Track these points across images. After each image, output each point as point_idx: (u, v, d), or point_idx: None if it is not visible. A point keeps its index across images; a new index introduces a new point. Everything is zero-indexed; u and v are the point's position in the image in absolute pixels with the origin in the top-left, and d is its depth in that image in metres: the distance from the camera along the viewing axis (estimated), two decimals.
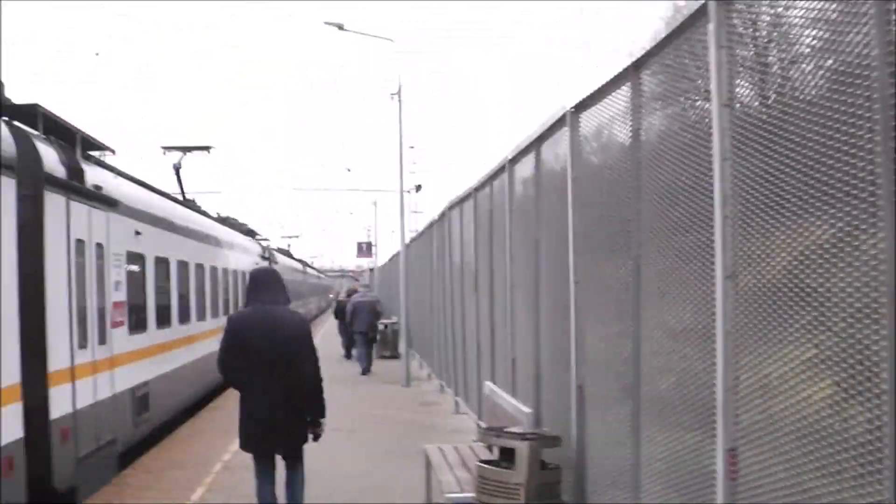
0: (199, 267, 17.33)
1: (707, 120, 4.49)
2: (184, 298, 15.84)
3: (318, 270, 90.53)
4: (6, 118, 8.95)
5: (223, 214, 25.04)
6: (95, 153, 12.02)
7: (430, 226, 19.28)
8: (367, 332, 23.15)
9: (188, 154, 21.82)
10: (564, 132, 7.23)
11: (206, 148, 22.51)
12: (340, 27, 19.91)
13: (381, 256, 52.39)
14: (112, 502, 9.80)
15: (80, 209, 10.13)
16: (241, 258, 23.44)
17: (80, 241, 10.10)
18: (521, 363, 9.44)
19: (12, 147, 8.40)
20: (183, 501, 9.57)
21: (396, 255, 36.86)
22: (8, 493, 7.69)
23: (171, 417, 14.73)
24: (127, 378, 11.78)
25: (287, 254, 52.81)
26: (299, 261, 61.30)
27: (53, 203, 9.28)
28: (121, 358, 11.56)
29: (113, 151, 12.68)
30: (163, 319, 14.19)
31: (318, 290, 71.59)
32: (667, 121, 5.28)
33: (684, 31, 4.81)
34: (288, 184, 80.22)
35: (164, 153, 21.88)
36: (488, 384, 8.71)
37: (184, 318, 15.77)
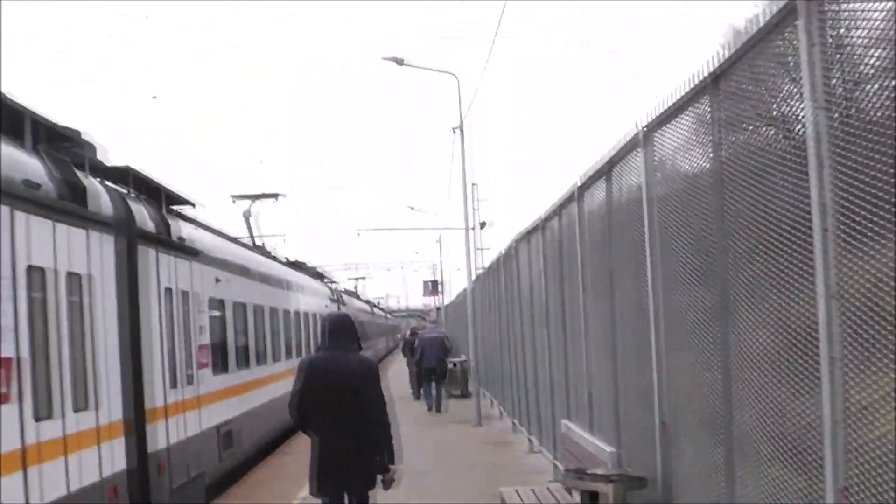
0: (273, 311, 18.07)
1: (801, 127, 4.17)
2: (260, 341, 16.65)
3: (385, 311, 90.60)
4: (102, 179, 10.13)
5: (291, 258, 25.76)
6: (176, 206, 12.92)
7: (498, 261, 18.94)
8: (435, 368, 23.00)
9: (256, 202, 22.90)
10: (638, 153, 6.96)
11: (275, 195, 23.58)
12: (399, 62, 19.79)
13: (449, 293, 52.20)
14: None
15: (167, 260, 11.12)
16: (312, 301, 24.05)
17: (168, 290, 11.10)
18: (599, 399, 9.02)
19: (109, 207, 9.57)
20: None
21: (464, 293, 36.71)
22: None
23: (252, 454, 15.33)
24: (213, 416, 12.66)
25: (355, 295, 54.13)
26: (367, 302, 62.51)
27: (144, 255, 10.40)
28: (207, 397, 12.45)
29: (193, 205, 13.48)
30: (242, 361, 15.03)
31: (385, 331, 71.67)
32: (753, 133, 4.98)
33: (768, 33, 4.51)
34: (351, 224, 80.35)
35: (234, 202, 22.84)
36: (565, 422, 8.32)
37: (260, 359, 16.55)
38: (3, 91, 7.83)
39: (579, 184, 9.41)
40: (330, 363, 7.55)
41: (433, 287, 53.07)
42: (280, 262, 22.27)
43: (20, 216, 7.49)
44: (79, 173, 9.15)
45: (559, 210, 10.85)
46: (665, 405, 6.60)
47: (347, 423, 7.42)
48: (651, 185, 6.57)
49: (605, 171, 8.07)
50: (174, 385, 11.00)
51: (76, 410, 8.30)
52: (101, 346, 8.94)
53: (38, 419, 7.53)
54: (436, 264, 73.73)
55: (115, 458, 8.91)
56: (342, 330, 7.74)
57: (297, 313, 20.98)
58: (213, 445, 12.55)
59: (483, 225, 68.16)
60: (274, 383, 16.90)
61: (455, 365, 26.91)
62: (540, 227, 12.36)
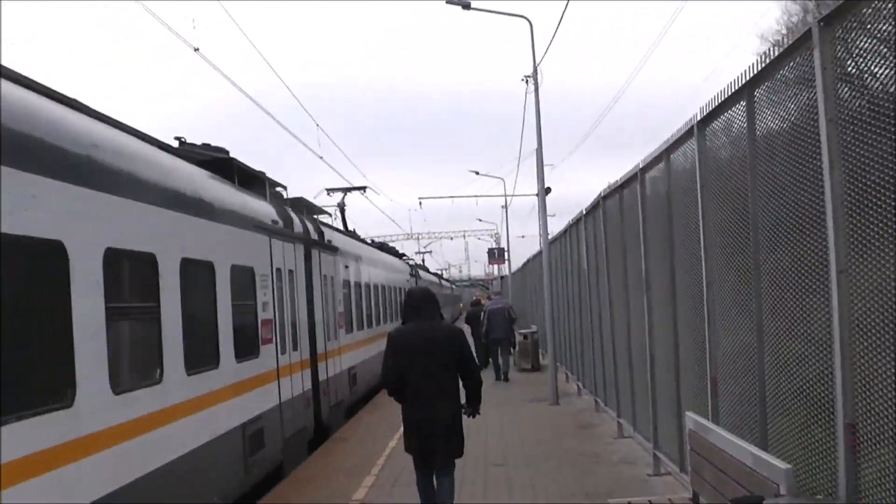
0: (376, 287, 23.84)
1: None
2: (370, 309, 22.35)
3: (450, 281, 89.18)
4: (292, 208, 15.14)
5: (377, 241, 31.36)
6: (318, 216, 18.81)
7: (576, 222, 17.03)
8: (503, 338, 22.94)
9: (349, 194, 27.67)
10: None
11: (363, 188, 28.70)
12: (466, 6, 17.87)
13: (512, 263, 50.21)
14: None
15: (323, 257, 16.24)
16: (396, 277, 29.66)
17: (324, 276, 16.23)
18: (730, 385, 7.16)
19: (299, 227, 14.66)
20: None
21: (530, 261, 34.82)
22: (305, 416, 13.76)
23: (366, 391, 20.49)
24: (347, 361, 18.04)
25: (425, 269, 57.31)
26: (434, 274, 65.15)
27: (314, 255, 15.38)
28: (344, 348, 17.77)
29: (330, 214, 21.18)
30: (360, 324, 20.37)
31: (450, 301, 70.52)
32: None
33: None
34: (413, 193, 78.84)
35: (329, 194, 27.41)
36: (693, 417, 6.46)
37: (370, 323, 22.16)
38: (236, 158, 12.09)
39: (699, 117, 7.53)
40: (418, 334, 8.03)
41: (499, 255, 51.04)
42: (371, 245, 27.50)
43: (275, 242, 12.67)
44: (286, 209, 14.32)
45: (667, 153, 8.95)
46: (853, 401, 4.75)
47: (437, 389, 7.90)
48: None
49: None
50: (328, 339, 16.18)
51: (294, 350, 13.34)
52: (300, 313, 14.09)
53: (281, 353, 12.53)
54: (499, 232, 71.90)
55: (304, 381, 13.99)
56: (425, 302, 8.27)
57: (389, 287, 26.70)
58: (346, 382, 17.80)
59: (548, 190, 66.39)
60: (377, 341, 21.25)
61: (525, 337, 25.12)
62: (637, 179, 10.45)
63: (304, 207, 16.95)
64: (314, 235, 15.67)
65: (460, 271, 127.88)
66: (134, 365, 7.88)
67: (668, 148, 8.88)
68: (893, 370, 4.45)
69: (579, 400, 17.79)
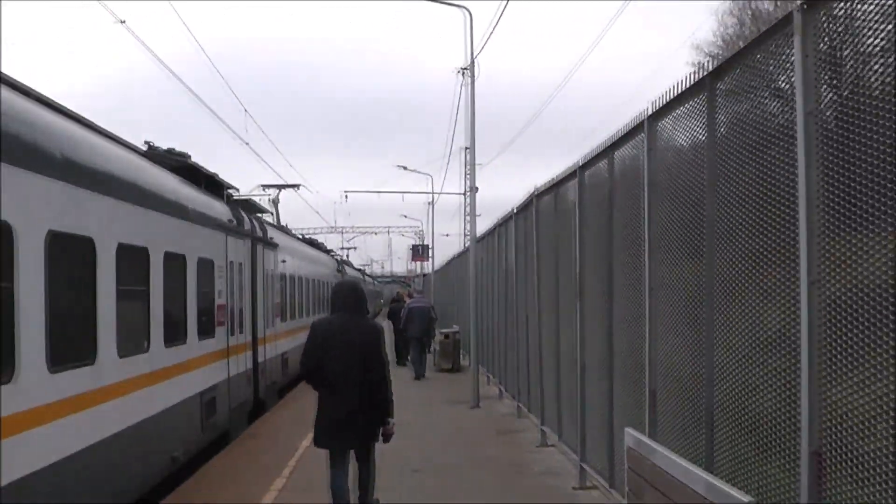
0: (306, 280, 25.41)
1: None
2: (301, 301, 24.02)
3: (372, 277, 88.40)
4: (242, 208, 16.59)
5: (304, 233, 33.48)
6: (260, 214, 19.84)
7: (506, 220, 16.53)
8: (421, 337, 23.04)
9: (282, 191, 28.68)
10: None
11: (297, 186, 29.92)
12: None
13: (435, 261, 49.65)
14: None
15: (266, 253, 17.97)
16: (324, 271, 31.59)
17: (266, 270, 17.88)
18: (671, 401, 6.67)
19: (248, 225, 16.30)
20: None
21: (454, 260, 34.27)
22: (246, 391, 15.57)
23: (296, 376, 20.29)
24: (282, 347, 19.68)
25: (349, 264, 58.74)
26: (358, 269, 67.49)
27: (257, 251, 16.94)
28: (280, 335, 19.60)
29: (270, 213, 23.67)
30: (293, 314, 22.20)
31: (371, 297, 69.96)
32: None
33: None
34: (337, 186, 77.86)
35: (263, 189, 28.15)
36: (633, 434, 5.93)
37: (301, 313, 23.65)
38: (192, 159, 13.32)
39: (651, 111, 7.02)
40: (338, 325, 8.15)
41: (422, 251, 50.44)
42: (301, 240, 29.07)
43: (230, 239, 14.26)
44: (238, 209, 15.99)
45: (612, 149, 8.45)
46: (819, 425, 4.27)
47: (352, 380, 7.97)
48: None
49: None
50: (266, 326, 17.88)
51: (235, 334, 14.80)
52: (246, 301, 15.82)
53: (230, 335, 14.26)
54: (423, 230, 71.31)
55: (247, 361, 15.79)
56: (351, 296, 8.40)
57: (317, 281, 28.19)
58: (280, 365, 19.52)
59: (475, 190, 65.98)
60: (306, 330, 22.31)
61: (447, 336, 24.57)
62: (576, 176, 9.95)
63: (252, 207, 18.88)
64: (259, 233, 17.46)
65: (382, 267, 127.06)
66: (132, 338, 9.54)
67: (614, 144, 8.35)
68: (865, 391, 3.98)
69: (501, 404, 17.28)
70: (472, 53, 17.41)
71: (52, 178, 7.41)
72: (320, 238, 52.21)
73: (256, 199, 21.96)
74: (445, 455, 12.18)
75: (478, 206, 18.74)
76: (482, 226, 20.48)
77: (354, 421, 8.02)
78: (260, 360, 16.94)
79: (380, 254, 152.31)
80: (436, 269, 47.20)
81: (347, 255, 70.47)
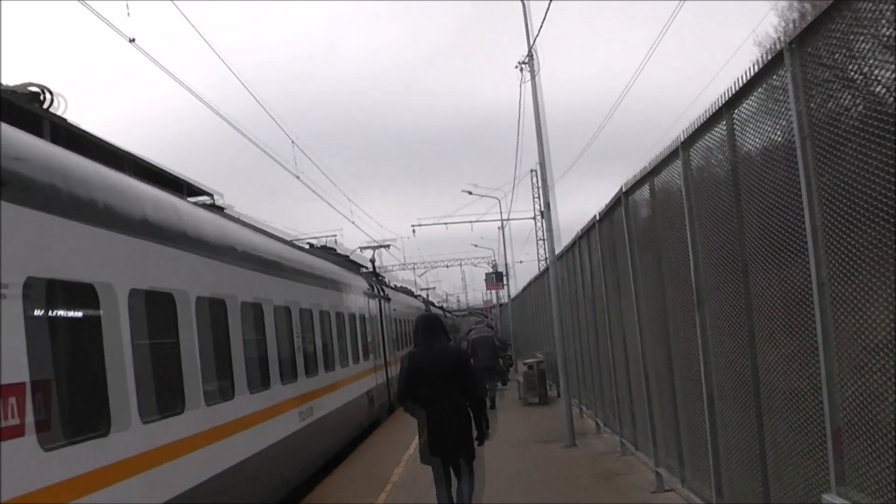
0: (405, 320, 31.89)
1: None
2: (404, 334, 31.03)
3: (450, 312, 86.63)
4: (367, 276, 26.45)
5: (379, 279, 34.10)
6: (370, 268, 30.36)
7: (585, 233, 14.47)
8: (490, 365, 22.75)
9: (377, 250, 37.45)
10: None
11: (388, 246, 39.38)
12: None
13: (512, 290, 47.50)
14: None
15: (385, 305, 26.26)
16: (416, 311, 35.87)
17: (386, 316, 26.27)
18: (864, 442, 4.54)
19: (376, 290, 25.07)
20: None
21: (531, 284, 32.22)
22: (385, 395, 23.99)
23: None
24: (397, 368, 19.74)
25: (431, 303, 59.90)
26: (439, 308, 68.06)
27: (381, 305, 25.48)
28: (397, 359, 25.32)
29: (379, 275, 32.98)
30: (401, 345, 29.49)
31: (451, 331, 68.90)
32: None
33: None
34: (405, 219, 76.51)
35: (361, 251, 34.93)
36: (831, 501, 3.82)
37: (405, 344, 29.71)
38: (350, 256, 26.55)
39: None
40: (427, 355, 8.90)
41: (497, 278, 48.29)
42: (398, 290, 37.24)
43: (369, 300, 22.92)
44: (370, 279, 25.71)
45: (730, 107, 6.38)
46: None
47: (446, 402, 8.73)
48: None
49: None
50: (390, 354, 25.67)
51: (378, 358, 23.43)
52: (379, 338, 24.05)
53: (376, 359, 23.22)
54: (496, 259, 69.24)
55: (384, 376, 23.94)
56: (433, 327, 9.15)
57: (405, 319, 32.68)
58: (385, 387, 24.26)
59: (544, 212, 63.61)
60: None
61: (531, 367, 22.46)
62: (679, 154, 7.88)
63: (373, 274, 29.17)
64: (381, 293, 26.04)
65: (458, 300, 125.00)
66: (345, 356, 18.08)
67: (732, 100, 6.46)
68: None
69: (599, 440, 15.05)
70: (529, 39, 15.40)
71: (299, 282, 14.70)
72: (392, 276, 51.71)
73: (356, 258, 28.88)
74: None
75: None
76: (555, 250, 18.39)
77: (453, 437, 8.75)
78: (389, 375, 24.63)
79: (454, 286, 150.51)
80: (512, 296, 45.08)
81: (427, 295, 69.51)
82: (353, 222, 35.13)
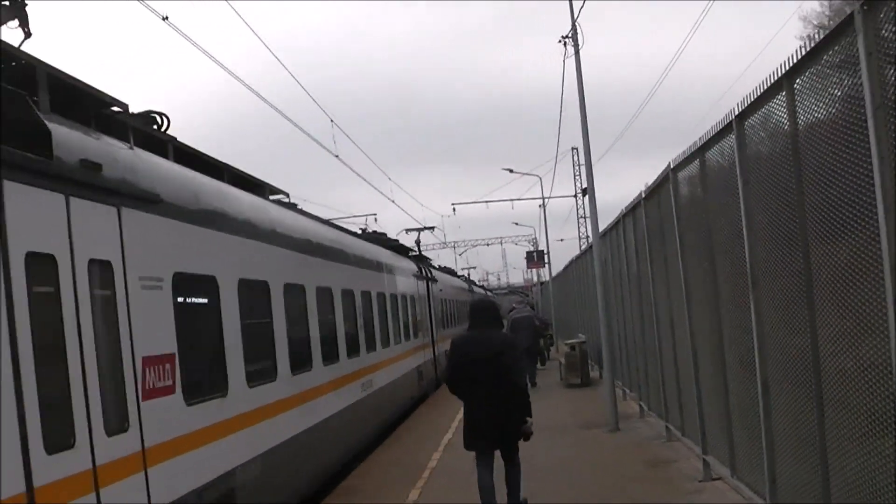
0: (450, 300, 33.82)
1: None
2: (449, 314, 33.06)
3: (486, 289, 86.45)
4: (416, 259, 27.59)
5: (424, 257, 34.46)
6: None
7: (630, 210, 14.00)
8: (530, 346, 22.33)
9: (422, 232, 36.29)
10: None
11: (432, 228, 39.62)
12: None
13: (553, 268, 46.96)
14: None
15: (433, 286, 27.63)
16: (459, 291, 39.83)
17: (433, 297, 27.53)
18: None
19: (424, 272, 26.49)
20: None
21: (573, 263, 31.71)
22: (430, 371, 25.12)
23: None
24: (443, 346, 24.52)
25: (473, 282, 61.64)
26: (480, 286, 68.67)
27: (430, 286, 27.02)
28: (443, 338, 27.16)
29: (427, 258, 33.36)
30: (447, 324, 31.20)
31: None
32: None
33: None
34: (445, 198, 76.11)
35: (406, 233, 35.06)
36: None
37: (451, 324, 32.24)
38: (400, 241, 26.19)
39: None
40: (476, 339, 8.98)
41: (538, 257, 47.79)
42: (443, 271, 38.15)
43: (418, 282, 24.52)
44: (418, 263, 26.48)
45: (792, 75, 5.93)
46: None
47: (494, 388, 8.73)
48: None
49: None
50: (436, 332, 27.12)
51: (425, 337, 24.78)
52: (426, 317, 25.43)
53: (424, 337, 24.82)
54: (536, 238, 68.71)
55: (431, 353, 25.44)
56: (486, 312, 9.24)
57: (456, 301, 36.05)
58: (433, 363, 25.87)
59: (585, 192, 62.81)
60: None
61: (573, 348, 22.06)
62: (733, 128, 7.43)
63: (421, 257, 29.47)
64: (428, 275, 27.19)
65: (498, 279, 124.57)
66: (398, 335, 19.67)
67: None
68: None
69: (644, 424, 14.63)
70: (572, 14, 14.90)
71: (360, 268, 16.30)
72: (433, 254, 51.48)
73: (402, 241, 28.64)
74: (583, 499, 9.71)
75: (589, 211, 16.07)
76: (598, 228, 17.93)
77: (497, 424, 8.74)
78: (436, 353, 26.09)
79: (494, 265, 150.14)
80: (553, 275, 44.60)
81: (469, 275, 69.26)
82: (392, 201, 34.62)
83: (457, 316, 34.28)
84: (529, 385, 19.94)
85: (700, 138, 8.76)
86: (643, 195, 12.68)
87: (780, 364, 6.90)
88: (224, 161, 10.61)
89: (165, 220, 7.62)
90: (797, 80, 5.99)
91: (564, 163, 58.70)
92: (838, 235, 5.48)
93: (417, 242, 33.67)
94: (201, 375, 8.20)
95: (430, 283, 27.02)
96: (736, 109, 7.36)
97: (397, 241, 25.22)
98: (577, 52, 15.08)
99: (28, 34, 7.13)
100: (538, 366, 25.75)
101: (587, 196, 16.72)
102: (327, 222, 16.00)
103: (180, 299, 7.74)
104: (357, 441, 14.18)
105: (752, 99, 6.84)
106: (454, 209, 57.16)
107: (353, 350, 14.37)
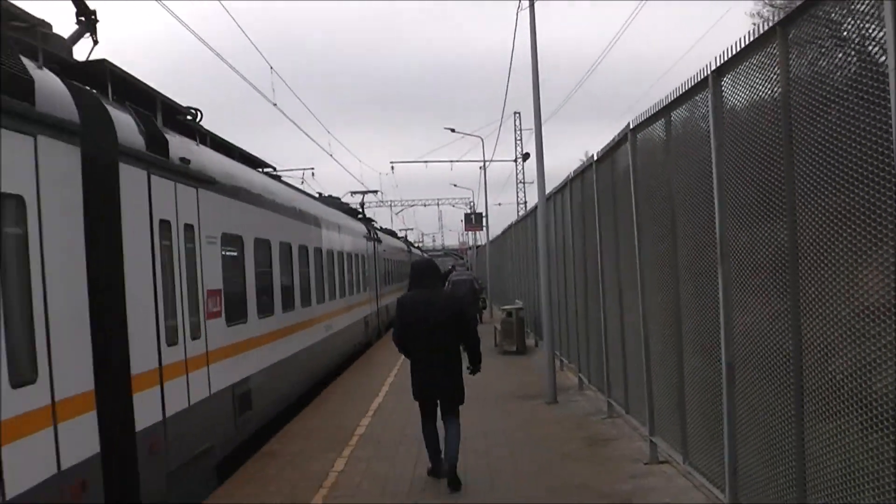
0: (391, 260, 36.86)
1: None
2: (389, 272, 35.08)
3: (422, 251, 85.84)
4: (363, 219, 31.19)
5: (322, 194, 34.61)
6: None
7: (581, 172, 13.31)
8: (470, 306, 22.14)
9: (365, 195, 38.96)
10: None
11: (376, 191, 42.64)
12: None
13: (487, 232, 46.28)
14: None
15: (378, 247, 31.59)
16: (399, 252, 42.22)
17: (378, 256, 31.60)
18: None
19: (372, 234, 30.37)
20: None
21: (513, 226, 31.07)
22: (374, 323, 28.75)
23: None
24: (386, 301, 31.96)
25: (411, 244, 63.56)
26: (418, 248, 64.21)
27: (375, 246, 30.53)
28: (385, 295, 32.11)
29: (373, 220, 34.85)
30: (387, 282, 33.82)
31: None
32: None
33: None
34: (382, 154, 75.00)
35: (352, 195, 38.59)
36: None
37: (391, 281, 35.13)
38: (356, 208, 30.60)
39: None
40: (421, 299, 9.21)
41: (476, 220, 47.11)
42: (385, 232, 39.49)
43: (367, 242, 28.20)
44: (367, 224, 30.50)
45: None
46: None
47: (438, 345, 9.06)
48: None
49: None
50: (379, 288, 30.53)
51: (371, 291, 28.38)
52: (371, 274, 28.92)
53: (369, 291, 27.72)
54: (474, 201, 68.06)
55: (375, 306, 28.67)
56: (428, 273, 9.54)
57: (396, 260, 39.05)
58: (385, 312, 31.02)
59: (526, 156, 62.08)
60: (396, 292, 33.56)
61: (510, 314, 21.45)
62: (708, 84, 6.72)
63: (367, 220, 31.21)
64: (375, 237, 29.42)
65: (433, 240, 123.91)
66: (352, 287, 22.95)
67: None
68: None
69: (583, 397, 14.01)
70: None
71: (324, 229, 19.07)
72: (370, 212, 50.87)
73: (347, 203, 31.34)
74: (519, 481, 9.05)
75: (530, 174, 15.31)
76: (532, 197, 17.23)
77: (440, 381, 9.10)
78: (379, 306, 28.97)
79: (431, 227, 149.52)
80: (491, 239, 43.98)
81: (407, 235, 68.55)
82: (331, 155, 33.83)
83: (395, 274, 37.49)
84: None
85: (667, 96, 8.06)
86: (595, 157, 11.98)
87: (750, 345, 6.26)
88: (233, 142, 13.07)
89: (217, 195, 10.62)
90: (792, 31, 5.30)
91: (507, 127, 57.93)
92: (833, 206, 4.81)
93: (362, 205, 35.71)
94: (234, 306, 11.19)
95: (375, 244, 29.91)
96: (713, 63, 6.66)
97: (348, 205, 29.10)
98: (531, 7, 14.24)
99: (96, 42, 9.37)
100: None
101: (533, 157, 15.94)
102: (303, 192, 19.72)
103: (224, 252, 10.87)
104: (322, 369, 17.85)
105: (737, 50, 6.13)
106: (392, 167, 56.38)
107: (320, 298, 17.82)
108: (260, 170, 14.88)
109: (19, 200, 6.04)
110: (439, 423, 9.26)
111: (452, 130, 39.15)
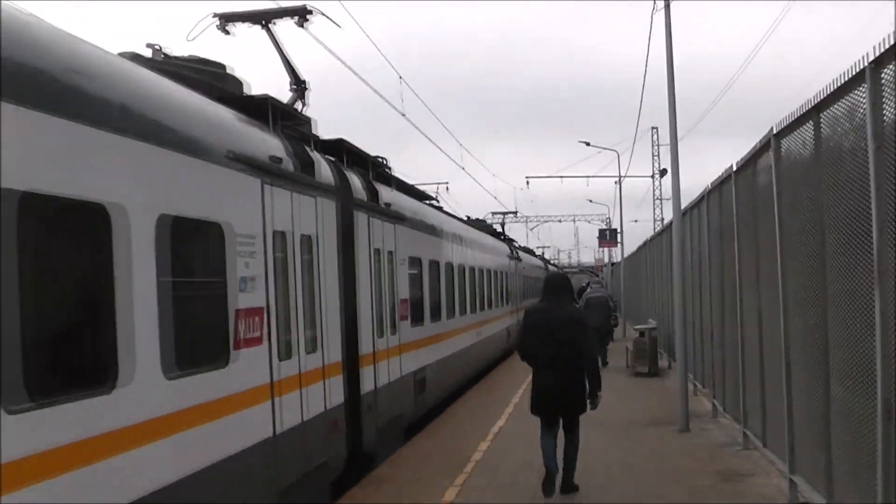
0: (528, 275, 38.08)
1: None
2: (527, 287, 36.52)
3: (558, 267, 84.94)
4: (508, 239, 36.22)
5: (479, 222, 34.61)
6: None
7: (719, 185, 12.41)
8: (600, 328, 21.33)
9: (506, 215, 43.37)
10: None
11: (515, 212, 44.35)
12: None
13: (625, 250, 45.08)
14: None
15: (517, 264, 33.40)
16: (538, 270, 42.94)
17: (519, 274, 34.13)
18: None
19: (512, 251, 33.05)
20: None
21: (647, 243, 29.97)
22: (514, 342, 21.96)
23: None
24: (517, 317, 32.16)
25: (547, 261, 64.65)
26: (541, 258, 65.65)
27: (515, 264, 33.00)
28: (518, 309, 31.32)
29: (513, 240, 38.14)
30: (527, 296, 34.36)
31: None
32: None
33: None
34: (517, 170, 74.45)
35: (492, 216, 40.50)
36: None
37: (528, 296, 34.44)
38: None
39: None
40: (548, 312, 9.28)
41: (611, 236, 45.94)
42: (519, 248, 38.73)
43: (511, 262, 31.30)
44: (508, 243, 34.71)
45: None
46: None
47: (560, 358, 9.00)
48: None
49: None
50: (522, 301, 32.62)
51: (510, 304, 29.97)
52: (515, 288, 32.21)
53: (505, 304, 28.94)
54: (610, 217, 66.70)
55: (514, 318, 29.15)
56: (558, 286, 9.58)
57: (529, 275, 38.71)
58: (517, 326, 28.47)
59: (664, 172, 60.39)
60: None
61: (642, 334, 20.51)
62: (864, 77, 5.86)
63: (509, 240, 32.63)
64: (516, 255, 32.26)
65: (569, 257, 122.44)
66: (498, 300, 26.21)
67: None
68: None
69: (716, 426, 13.03)
70: None
71: (475, 249, 22.02)
72: (505, 228, 50.43)
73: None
74: None
75: (666, 193, 14.39)
76: (669, 214, 16.26)
77: (559, 393, 9.04)
78: (519, 318, 26.39)
79: (565, 243, 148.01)
80: (625, 256, 42.80)
81: (544, 253, 68.36)
82: (463, 168, 33.21)
83: (532, 289, 38.95)
84: (601, 364, 18.81)
85: (815, 96, 7.21)
86: (734, 167, 11.09)
87: None
88: (408, 182, 16.07)
89: (406, 228, 13.67)
90: None
91: (642, 143, 56.53)
92: None
93: (502, 224, 39.23)
94: (414, 312, 14.17)
95: (516, 263, 32.27)
96: (870, 54, 5.82)
97: (492, 226, 31.29)
98: (667, 7, 13.43)
99: (304, 105, 11.30)
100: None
101: (668, 174, 15.07)
102: (458, 218, 22.84)
103: (409, 271, 13.89)
104: (472, 370, 20.28)
105: None
106: (528, 182, 55.49)
107: (473, 309, 20.63)
108: (427, 202, 17.98)
109: (312, 238, 9.23)
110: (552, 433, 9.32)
111: (587, 144, 38.38)
